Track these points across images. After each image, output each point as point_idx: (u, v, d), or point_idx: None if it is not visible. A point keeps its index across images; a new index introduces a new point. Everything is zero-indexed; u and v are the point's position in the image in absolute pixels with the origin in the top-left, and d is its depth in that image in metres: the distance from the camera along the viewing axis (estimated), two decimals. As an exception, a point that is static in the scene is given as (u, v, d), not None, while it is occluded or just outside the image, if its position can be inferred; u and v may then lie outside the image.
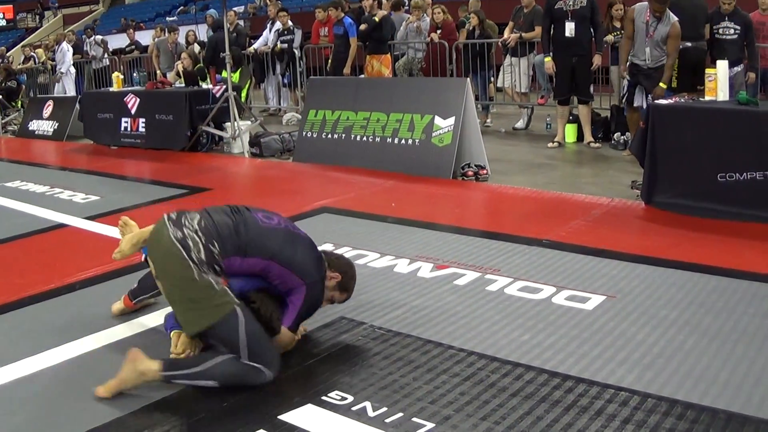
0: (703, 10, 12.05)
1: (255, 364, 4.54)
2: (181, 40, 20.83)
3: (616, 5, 13.41)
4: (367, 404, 4.28)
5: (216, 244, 4.67)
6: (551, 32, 12.50)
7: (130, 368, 4.50)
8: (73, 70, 22.71)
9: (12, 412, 4.47)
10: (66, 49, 22.48)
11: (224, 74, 15.17)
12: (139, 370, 4.47)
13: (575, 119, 12.96)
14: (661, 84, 10.64)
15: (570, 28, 12.09)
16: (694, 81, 11.34)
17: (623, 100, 11.36)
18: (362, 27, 16.06)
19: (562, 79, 12.58)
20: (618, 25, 12.97)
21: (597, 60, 12.41)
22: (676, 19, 10.58)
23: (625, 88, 11.28)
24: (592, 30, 12.31)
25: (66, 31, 29.84)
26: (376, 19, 15.83)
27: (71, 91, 21.61)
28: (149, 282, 5.61)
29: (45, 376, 4.95)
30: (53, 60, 24.34)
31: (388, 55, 16.27)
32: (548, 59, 12.55)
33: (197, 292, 4.55)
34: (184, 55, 16.58)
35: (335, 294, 5.15)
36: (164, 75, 18.00)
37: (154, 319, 5.75)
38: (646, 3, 10.72)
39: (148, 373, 4.48)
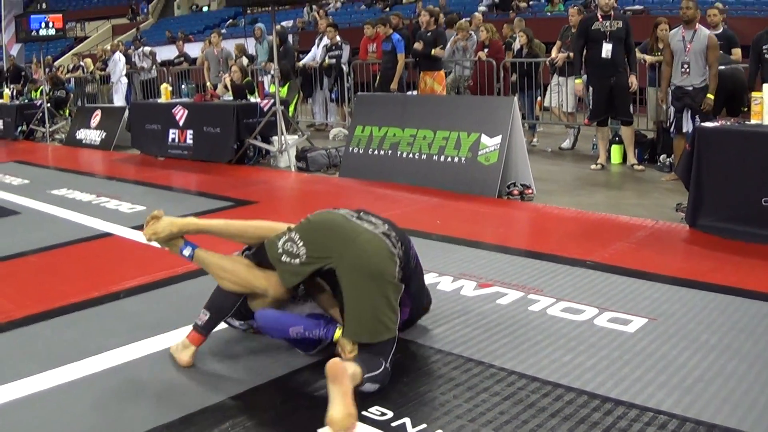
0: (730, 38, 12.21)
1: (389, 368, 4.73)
2: (229, 47, 20.96)
3: (661, 24, 13.35)
4: (407, 420, 4.30)
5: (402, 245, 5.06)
6: (584, 53, 12.49)
7: (344, 377, 4.38)
8: (125, 80, 22.87)
9: (55, 419, 4.53)
10: (118, 59, 22.65)
11: (272, 88, 15.28)
12: (349, 374, 4.42)
13: (621, 140, 12.92)
14: (708, 95, 10.68)
15: (607, 49, 12.08)
16: (731, 104, 11.34)
17: (672, 128, 11.32)
18: (417, 45, 16.03)
19: (599, 101, 12.52)
20: (662, 45, 12.90)
21: (633, 80, 12.37)
22: (710, 32, 10.69)
23: (672, 115, 11.26)
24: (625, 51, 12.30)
25: (116, 41, 30.04)
26: (433, 53, 15.78)
27: (121, 101, 21.75)
28: (223, 306, 5.25)
29: (86, 383, 5.02)
30: (102, 70, 24.53)
31: (442, 72, 16.24)
32: (579, 81, 12.56)
33: (386, 298, 4.85)
34: (234, 68, 16.67)
35: None
36: (214, 87, 18.08)
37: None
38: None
39: (356, 376, 4.49)
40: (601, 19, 12.10)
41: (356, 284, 4.83)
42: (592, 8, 12.77)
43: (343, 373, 4.31)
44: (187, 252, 5.24)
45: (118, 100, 21.97)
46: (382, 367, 4.66)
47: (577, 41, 12.66)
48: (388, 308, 4.85)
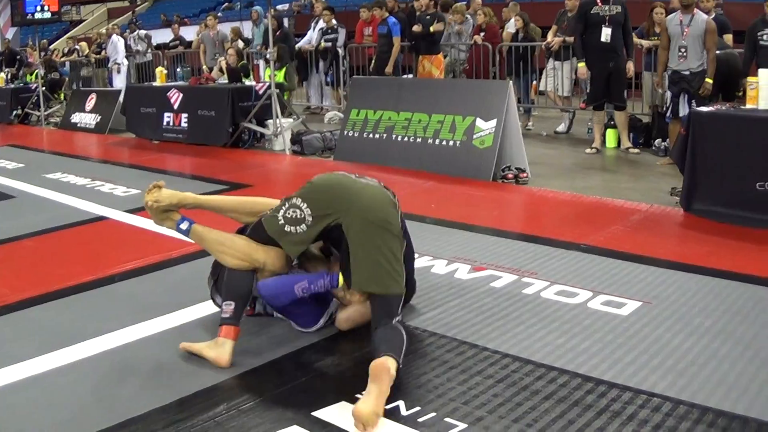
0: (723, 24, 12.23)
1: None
2: (225, 30, 20.91)
3: (657, 8, 13.32)
4: (401, 403, 4.31)
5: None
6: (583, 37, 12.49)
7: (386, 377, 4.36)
8: (125, 62, 22.78)
9: (52, 402, 4.53)
10: (117, 41, 22.57)
11: (267, 72, 15.26)
12: (391, 374, 4.39)
13: (616, 124, 12.93)
14: (707, 79, 10.70)
15: (606, 33, 12.05)
16: (726, 89, 11.35)
17: (668, 113, 11.31)
18: (416, 27, 15.97)
19: (597, 85, 12.52)
20: (658, 30, 12.85)
21: (630, 67, 12.36)
22: (707, 17, 10.76)
23: (669, 100, 11.26)
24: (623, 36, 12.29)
25: (111, 24, 29.95)
26: (432, 29, 15.75)
27: (122, 83, 21.66)
28: (243, 290, 5.12)
29: (82, 366, 5.03)
30: (98, 53, 24.47)
31: (440, 56, 16.21)
32: (582, 64, 12.50)
33: (392, 252, 4.97)
34: (230, 51, 16.65)
35: None
36: (210, 70, 18.04)
37: (194, 312, 5.85)
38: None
39: (394, 373, 4.43)
40: (600, 3, 12.07)
41: (364, 233, 4.89)
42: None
43: (386, 373, 4.30)
44: (184, 226, 5.23)
45: (120, 83, 21.85)
46: (404, 337, 4.74)
47: (576, 25, 12.62)
48: (395, 261, 4.93)
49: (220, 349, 4.90)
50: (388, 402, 4.27)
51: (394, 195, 5.22)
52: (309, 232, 4.99)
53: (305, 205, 4.97)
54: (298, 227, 4.97)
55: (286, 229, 4.99)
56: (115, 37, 22.79)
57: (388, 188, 5.25)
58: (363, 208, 4.92)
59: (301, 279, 5.10)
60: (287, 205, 5.03)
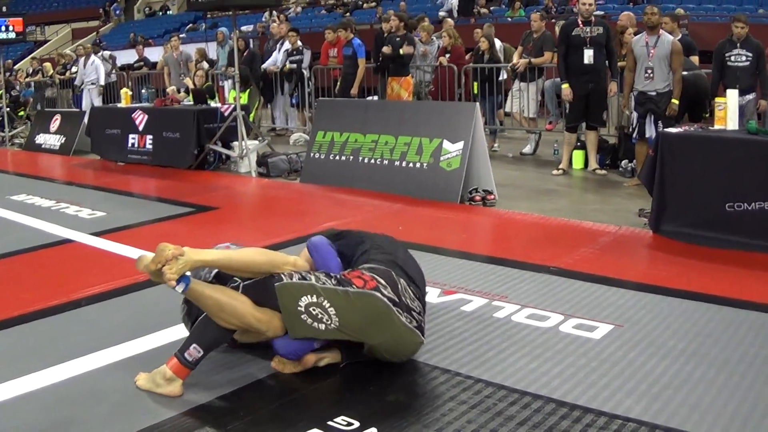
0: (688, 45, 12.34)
1: None
2: (189, 51, 20.81)
3: (627, 30, 13.34)
4: (374, 430, 4.26)
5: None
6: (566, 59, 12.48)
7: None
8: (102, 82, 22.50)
9: (14, 429, 4.44)
10: (98, 63, 22.23)
11: (232, 94, 15.21)
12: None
13: (582, 145, 12.93)
14: (673, 100, 10.72)
15: (589, 55, 12.07)
16: (693, 110, 11.39)
17: (634, 134, 11.31)
18: (386, 49, 15.94)
19: (576, 107, 12.52)
20: (625, 51, 12.88)
21: (613, 87, 12.43)
22: (673, 38, 10.87)
23: (635, 121, 11.26)
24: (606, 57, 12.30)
25: (75, 45, 29.78)
26: (402, 51, 15.73)
27: (96, 103, 21.38)
28: (215, 343, 4.99)
29: (47, 392, 4.94)
30: (62, 75, 24.31)
31: (410, 78, 16.19)
32: (566, 86, 12.48)
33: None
34: (199, 73, 16.59)
35: None
36: (178, 90, 17.92)
37: (161, 337, 5.77)
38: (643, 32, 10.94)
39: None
40: (581, 25, 12.09)
41: (383, 355, 5.06)
42: (553, 13, 12.72)
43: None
44: (180, 288, 4.77)
45: (91, 104, 21.54)
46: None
47: (560, 47, 12.59)
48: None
49: (171, 384, 4.80)
50: (360, 430, 4.23)
51: (423, 329, 5.15)
52: (324, 333, 4.86)
53: (336, 317, 4.79)
54: (316, 324, 4.80)
55: (302, 317, 4.79)
56: (95, 58, 22.46)
57: (422, 318, 5.13)
58: (389, 345, 4.98)
59: None
60: (314, 300, 4.78)
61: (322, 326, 4.80)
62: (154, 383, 4.84)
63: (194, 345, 4.83)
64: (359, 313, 4.82)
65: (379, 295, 4.84)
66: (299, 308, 4.77)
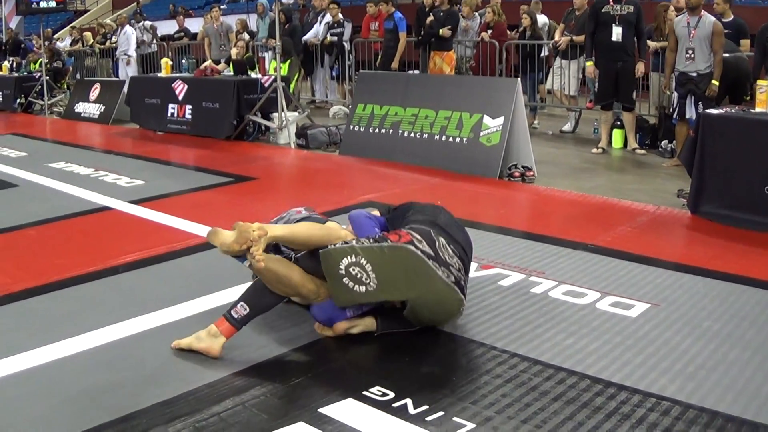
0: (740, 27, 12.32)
1: None
2: (230, 22, 20.82)
3: (670, 8, 13.23)
4: (408, 401, 4.27)
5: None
6: (594, 36, 12.43)
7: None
8: (134, 53, 22.61)
9: (51, 394, 4.50)
10: (130, 32, 22.41)
11: (273, 64, 15.21)
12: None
13: (622, 125, 12.89)
14: (713, 81, 10.63)
15: (617, 32, 11.99)
16: (734, 92, 11.32)
17: (675, 114, 11.25)
18: (430, 19, 15.93)
19: (605, 84, 12.46)
20: (668, 30, 12.78)
21: (641, 67, 12.29)
22: (715, 18, 10.84)
23: (675, 101, 11.20)
24: (635, 36, 12.25)
25: (116, 15, 29.87)
26: (441, 33, 15.67)
27: (130, 75, 21.56)
28: (264, 306, 5.04)
29: (83, 358, 5.00)
30: (102, 44, 24.40)
31: (451, 53, 16.12)
32: (590, 63, 12.42)
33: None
34: (240, 44, 16.61)
35: None
36: (216, 62, 17.91)
37: (197, 305, 5.82)
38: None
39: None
40: (612, 3, 12.02)
41: (422, 318, 5.13)
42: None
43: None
44: (247, 263, 4.90)
45: (131, 73, 21.72)
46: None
47: (588, 23, 12.54)
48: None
49: (212, 341, 4.87)
50: (395, 401, 4.27)
51: (465, 277, 5.19)
52: (366, 296, 4.90)
53: (373, 273, 4.82)
54: (357, 286, 4.84)
55: (344, 281, 4.84)
56: (128, 29, 22.61)
57: (461, 274, 5.13)
58: (429, 303, 5.02)
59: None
60: (353, 259, 4.82)
61: (363, 288, 4.83)
62: (196, 338, 4.92)
63: (242, 303, 4.91)
64: (395, 267, 4.85)
65: (412, 248, 4.86)
66: (340, 271, 4.81)
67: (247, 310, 4.89)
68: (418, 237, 4.95)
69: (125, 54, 22.03)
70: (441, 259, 4.95)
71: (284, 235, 4.98)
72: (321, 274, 4.97)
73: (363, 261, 4.80)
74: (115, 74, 22.82)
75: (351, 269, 4.80)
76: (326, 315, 5.10)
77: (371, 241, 4.93)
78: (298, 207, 5.87)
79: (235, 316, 4.88)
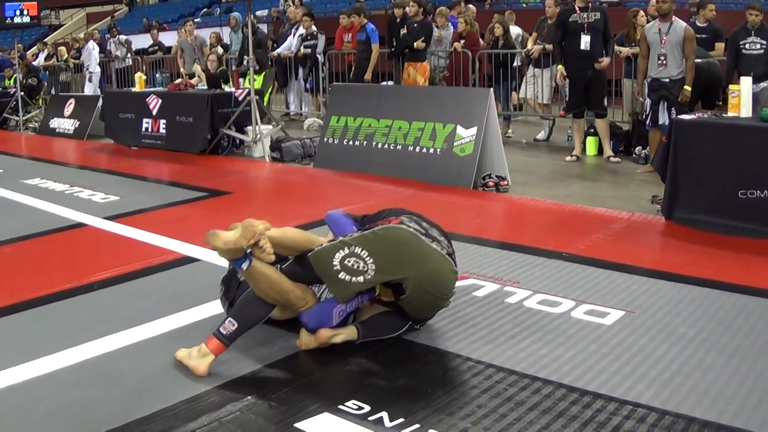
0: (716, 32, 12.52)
1: None
2: (204, 35, 20.81)
3: (640, 13, 13.31)
4: (384, 414, 4.27)
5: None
6: (562, 45, 12.46)
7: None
8: (98, 69, 22.61)
9: (30, 412, 4.46)
10: (92, 47, 22.42)
11: (247, 78, 15.20)
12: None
13: (596, 132, 12.93)
14: (686, 86, 10.70)
15: (585, 41, 12.03)
16: (707, 98, 11.40)
17: (648, 120, 11.29)
18: (404, 31, 15.93)
19: (575, 92, 12.53)
20: (639, 36, 12.81)
21: (605, 61, 12.24)
22: (685, 24, 10.93)
23: (648, 107, 11.25)
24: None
25: (90, 29, 29.84)
26: (416, 46, 15.63)
27: (93, 91, 21.56)
28: (253, 320, 5.05)
29: (61, 376, 4.97)
30: (76, 59, 24.37)
31: (425, 63, 16.10)
32: (561, 66, 12.45)
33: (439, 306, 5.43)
34: (212, 57, 16.60)
35: None
36: (190, 76, 17.89)
37: (174, 321, 5.79)
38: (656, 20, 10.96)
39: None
40: (578, 11, 12.07)
41: (422, 298, 5.09)
42: (569, 0, 12.71)
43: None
44: (245, 265, 4.90)
45: (89, 90, 21.77)
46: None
47: (555, 33, 12.60)
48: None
49: (201, 360, 4.85)
50: (371, 414, 4.26)
51: (455, 261, 5.27)
52: (365, 284, 4.95)
53: (371, 259, 4.88)
54: (355, 278, 4.90)
55: (340, 276, 4.90)
56: (90, 44, 22.60)
57: (451, 249, 5.28)
58: (428, 277, 5.01)
59: (336, 303, 5.10)
60: (347, 251, 4.91)
61: (361, 278, 4.90)
62: (188, 355, 4.93)
63: (230, 319, 4.92)
64: (390, 246, 4.95)
65: (404, 226, 5.02)
66: (335, 267, 4.88)
67: (236, 325, 4.89)
68: (407, 219, 5.12)
69: (88, 70, 22.01)
70: (431, 235, 5.10)
71: (277, 236, 5.00)
72: (306, 281, 5.07)
73: (357, 249, 4.89)
74: (82, 90, 22.78)
75: (347, 261, 4.88)
76: (316, 320, 5.10)
77: (359, 232, 5.04)
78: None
79: (224, 332, 4.88)
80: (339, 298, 5.02)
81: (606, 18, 12.21)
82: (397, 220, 5.12)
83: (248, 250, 4.85)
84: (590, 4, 12.17)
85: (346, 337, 5.15)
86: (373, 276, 4.90)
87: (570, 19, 12.16)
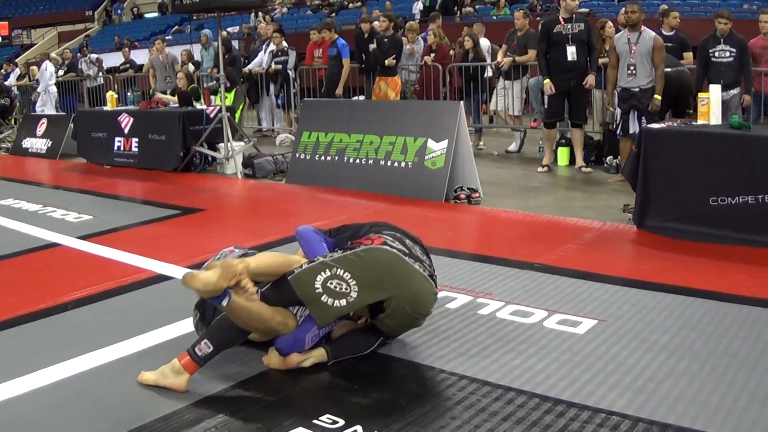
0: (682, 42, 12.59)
1: None
2: (175, 53, 20.77)
3: (608, 24, 13.39)
4: (359, 428, 4.27)
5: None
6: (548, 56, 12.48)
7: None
8: (53, 89, 22.39)
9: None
10: (45, 68, 22.24)
11: (218, 96, 15.18)
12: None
13: (568, 142, 12.98)
14: (656, 95, 10.76)
15: (572, 52, 12.05)
16: (677, 106, 11.47)
17: (618, 130, 11.33)
18: (373, 47, 16.01)
19: (555, 103, 12.53)
20: (608, 47, 12.88)
21: (591, 80, 12.31)
22: (654, 34, 10.99)
23: (618, 117, 11.29)
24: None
25: (62, 48, 29.76)
26: (387, 63, 15.68)
27: (49, 111, 21.37)
28: (228, 343, 5.02)
29: (36, 396, 4.94)
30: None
31: (397, 78, 16.17)
32: (548, 81, 12.44)
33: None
34: (180, 74, 16.58)
35: None
36: (163, 92, 17.83)
37: (149, 339, 5.77)
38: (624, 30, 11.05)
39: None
40: (563, 22, 12.10)
41: (402, 318, 5.10)
42: (538, 11, 12.76)
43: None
44: (225, 302, 4.74)
45: (48, 110, 21.59)
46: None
47: (540, 44, 12.58)
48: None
49: (178, 377, 4.82)
50: (345, 428, 4.26)
51: (436, 282, 5.29)
52: (348, 307, 4.93)
53: (353, 281, 4.85)
54: (338, 301, 4.85)
55: (323, 299, 4.85)
56: (46, 64, 22.36)
57: (432, 269, 5.31)
58: (409, 298, 5.01)
59: (310, 328, 5.08)
60: (328, 273, 4.86)
61: (344, 301, 4.86)
62: (162, 375, 4.88)
63: (206, 341, 4.87)
64: (373, 267, 4.93)
65: (387, 247, 5.00)
66: (317, 290, 4.84)
67: (211, 348, 4.86)
68: (390, 239, 5.10)
69: (37, 90, 21.93)
70: (413, 255, 5.10)
71: (255, 267, 4.91)
72: (285, 304, 5.03)
73: (340, 271, 4.86)
74: (62, 108, 22.62)
75: (329, 283, 4.84)
76: (290, 346, 5.08)
77: (341, 253, 5.01)
78: (229, 246, 5.83)
79: (199, 353, 4.84)
80: (320, 322, 4.99)
81: (590, 29, 12.28)
82: (380, 240, 5.08)
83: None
84: (574, 15, 12.20)
85: (315, 360, 5.11)
86: (356, 298, 4.87)
87: (554, 30, 12.17)
